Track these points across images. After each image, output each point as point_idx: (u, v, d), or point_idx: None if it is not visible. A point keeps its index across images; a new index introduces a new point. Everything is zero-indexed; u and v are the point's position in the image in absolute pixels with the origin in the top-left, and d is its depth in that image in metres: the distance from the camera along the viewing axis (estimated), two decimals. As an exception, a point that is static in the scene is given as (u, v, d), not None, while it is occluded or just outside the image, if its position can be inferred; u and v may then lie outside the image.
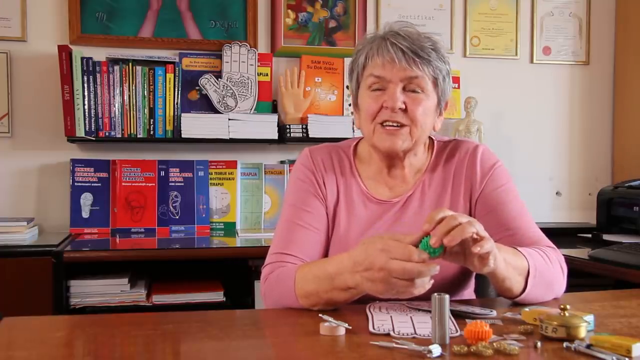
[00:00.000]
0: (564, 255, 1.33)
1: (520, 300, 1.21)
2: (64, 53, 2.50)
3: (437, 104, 1.35)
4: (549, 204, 3.15)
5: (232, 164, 2.73)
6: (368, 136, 1.37)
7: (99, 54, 2.59)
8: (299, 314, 1.18)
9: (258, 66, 2.73)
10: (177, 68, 2.64)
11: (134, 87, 2.59)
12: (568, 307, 1.02)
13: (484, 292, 1.55)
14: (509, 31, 3.09)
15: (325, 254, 1.39)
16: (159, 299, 2.25)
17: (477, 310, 1.16)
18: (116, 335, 1.06)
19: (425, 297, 1.08)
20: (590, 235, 2.59)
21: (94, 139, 2.53)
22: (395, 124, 1.31)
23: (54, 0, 2.63)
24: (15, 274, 2.13)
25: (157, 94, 2.61)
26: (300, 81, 2.80)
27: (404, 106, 1.30)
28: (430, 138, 1.45)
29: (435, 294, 0.98)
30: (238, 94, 2.69)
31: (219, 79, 2.68)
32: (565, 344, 0.96)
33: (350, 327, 1.04)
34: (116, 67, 2.57)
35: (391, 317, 1.12)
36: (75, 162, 2.59)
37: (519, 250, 1.22)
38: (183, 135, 2.59)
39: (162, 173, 2.64)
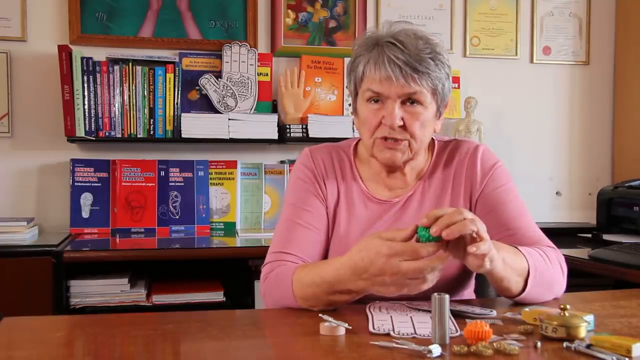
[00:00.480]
0: (564, 255, 1.33)
1: (520, 300, 1.21)
2: (64, 53, 2.50)
3: (436, 110, 1.34)
4: (549, 204, 3.15)
5: (232, 164, 2.73)
6: (367, 147, 1.37)
7: (99, 54, 2.59)
8: (299, 314, 1.18)
9: (258, 66, 2.73)
10: (177, 68, 2.64)
11: (134, 87, 2.59)
12: (568, 307, 1.02)
13: (484, 292, 1.55)
14: (509, 31, 3.09)
15: (325, 254, 1.39)
16: (159, 299, 2.25)
17: (477, 310, 1.16)
18: (116, 335, 1.06)
19: (425, 297, 1.08)
20: (590, 235, 2.60)
21: (94, 139, 2.53)
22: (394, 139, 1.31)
23: (54, 0, 2.63)
24: (15, 274, 2.13)
25: (157, 94, 2.61)
26: (300, 81, 2.80)
27: (402, 122, 1.29)
28: (430, 138, 1.44)
29: (435, 294, 0.98)
30: (238, 94, 2.69)
31: (219, 79, 2.68)
32: (565, 344, 0.96)
33: (350, 327, 1.04)
34: (116, 67, 2.57)
35: (391, 317, 1.12)
36: (75, 162, 2.59)
37: (519, 250, 1.22)
38: (183, 135, 2.59)
39: (162, 173, 2.64)
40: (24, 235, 2.31)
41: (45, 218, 2.63)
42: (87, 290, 2.20)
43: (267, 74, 2.77)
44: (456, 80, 2.97)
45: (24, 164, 2.63)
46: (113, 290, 2.22)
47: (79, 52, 2.53)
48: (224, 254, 2.35)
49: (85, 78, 2.53)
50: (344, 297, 1.16)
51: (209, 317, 1.17)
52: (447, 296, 0.97)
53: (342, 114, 2.85)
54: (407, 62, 1.26)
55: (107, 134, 2.56)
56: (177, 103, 2.63)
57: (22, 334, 1.07)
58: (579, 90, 3.19)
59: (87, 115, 2.53)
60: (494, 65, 3.09)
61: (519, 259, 1.20)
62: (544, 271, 1.23)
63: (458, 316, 1.12)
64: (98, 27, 2.65)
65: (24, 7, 2.60)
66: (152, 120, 2.60)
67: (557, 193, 3.17)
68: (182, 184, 2.66)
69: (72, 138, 2.52)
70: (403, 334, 1.02)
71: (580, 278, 1.78)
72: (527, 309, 1.10)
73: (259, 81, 2.73)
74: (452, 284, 1.35)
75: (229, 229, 2.69)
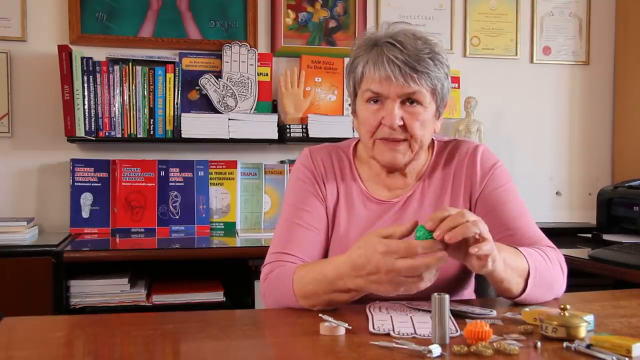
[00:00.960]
0: (564, 255, 1.33)
1: (520, 300, 1.21)
2: (64, 53, 2.50)
3: (435, 110, 1.34)
4: (549, 204, 3.15)
5: (232, 164, 2.73)
6: (367, 148, 1.37)
7: (99, 54, 2.59)
8: (299, 314, 1.18)
9: (258, 66, 2.73)
10: (177, 68, 2.64)
11: (134, 87, 2.59)
12: (568, 307, 1.02)
13: (484, 292, 1.55)
14: (509, 31, 3.09)
15: (325, 254, 1.39)
16: (159, 299, 2.25)
17: (477, 310, 1.16)
18: (116, 335, 1.06)
19: (425, 297, 1.08)
20: (590, 235, 2.59)
21: (94, 139, 2.53)
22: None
23: (54, 0, 2.63)
24: (15, 274, 2.13)
25: (157, 94, 2.61)
26: (300, 81, 2.80)
27: (402, 122, 1.29)
28: (430, 138, 1.44)
29: (435, 294, 0.98)
30: (238, 94, 2.69)
31: (219, 79, 2.68)
32: (565, 344, 0.96)
33: (350, 327, 1.04)
34: (116, 67, 2.57)
35: (391, 317, 1.12)
36: (75, 162, 2.59)
37: (520, 250, 1.22)
38: (183, 135, 2.59)
39: (162, 173, 2.64)
40: (24, 235, 2.31)
41: (45, 218, 2.63)
42: (87, 290, 2.20)
43: (267, 74, 2.77)
44: (456, 80, 2.98)
45: (24, 164, 2.63)
46: (113, 290, 2.22)
47: (79, 52, 2.53)
48: (224, 254, 2.35)
49: (85, 78, 2.53)
50: (343, 297, 1.16)
51: (209, 317, 1.17)
52: (447, 296, 0.97)
53: (342, 114, 2.85)
54: (406, 62, 1.26)
55: (107, 134, 2.56)
56: (177, 103, 2.63)
57: (22, 334, 1.07)
58: (579, 90, 3.19)
59: (87, 115, 2.53)
60: (494, 65, 3.09)
61: (519, 260, 1.20)
62: (544, 271, 1.23)
63: (458, 316, 1.12)
64: (98, 27, 2.65)
65: (24, 7, 2.60)
66: (152, 120, 2.60)
67: (557, 193, 3.17)
68: (182, 184, 2.66)
69: (72, 138, 2.52)
70: (403, 334, 1.02)
71: (580, 278, 1.78)
72: (527, 309, 1.10)
73: (259, 81, 2.73)
74: (452, 284, 1.35)
75: (229, 229, 2.69)
